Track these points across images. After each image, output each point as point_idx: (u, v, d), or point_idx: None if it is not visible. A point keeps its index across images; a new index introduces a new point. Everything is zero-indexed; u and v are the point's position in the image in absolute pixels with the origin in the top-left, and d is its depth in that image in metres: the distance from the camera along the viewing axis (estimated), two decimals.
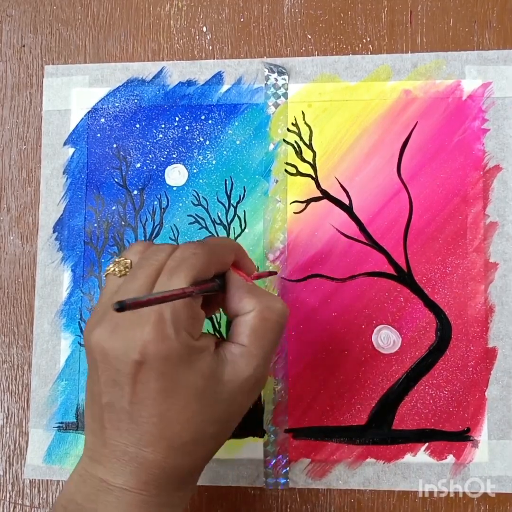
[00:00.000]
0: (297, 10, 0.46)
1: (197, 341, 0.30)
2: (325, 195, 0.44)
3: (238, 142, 0.45)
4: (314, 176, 0.44)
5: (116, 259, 0.33)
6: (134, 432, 0.30)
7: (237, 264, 0.34)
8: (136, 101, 0.46)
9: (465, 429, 0.42)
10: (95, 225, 0.45)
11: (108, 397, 0.30)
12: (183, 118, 0.45)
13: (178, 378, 0.29)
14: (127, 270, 0.33)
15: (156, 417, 0.29)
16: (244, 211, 0.44)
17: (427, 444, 0.42)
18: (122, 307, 0.24)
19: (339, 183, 0.44)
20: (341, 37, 0.45)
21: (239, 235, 0.44)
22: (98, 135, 0.46)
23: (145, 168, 0.45)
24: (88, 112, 0.46)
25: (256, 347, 0.31)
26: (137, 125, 0.46)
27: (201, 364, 0.30)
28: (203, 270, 0.31)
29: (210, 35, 0.46)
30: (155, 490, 0.30)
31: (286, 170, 0.44)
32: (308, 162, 0.44)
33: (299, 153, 0.44)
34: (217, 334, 0.43)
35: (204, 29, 0.46)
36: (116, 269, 0.33)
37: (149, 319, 0.29)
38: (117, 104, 0.46)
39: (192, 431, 0.30)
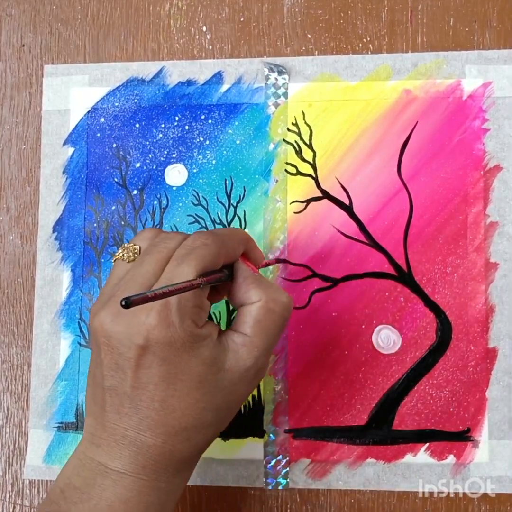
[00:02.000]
0: (297, 10, 0.46)
1: (201, 329, 0.30)
2: (325, 195, 0.44)
3: (238, 142, 0.45)
4: (314, 176, 0.44)
5: (125, 245, 0.34)
6: (134, 416, 0.30)
7: (246, 254, 0.35)
8: (135, 100, 0.46)
9: (466, 429, 0.41)
10: (95, 225, 0.45)
11: (110, 381, 0.30)
12: (183, 118, 0.45)
13: (180, 364, 0.29)
14: (135, 255, 0.33)
15: (158, 402, 0.29)
16: (244, 211, 0.44)
17: (427, 444, 0.41)
18: (128, 304, 0.25)
19: (339, 183, 0.44)
20: (341, 36, 0.45)
21: None
22: (98, 134, 0.46)
23: (145, 167, 0.45)
24: (88, 112, 0.46)
25: (259, 338, 0.31)
26: (137, 125, 0.46)
27: (203, 351, 0.30)
28: (212, 261, 0.31)
29: (210, 34, 0.46)
30: (153, 475, 0.30)
31: (286, 170, 0.44)
32: (308, 162, 0.44)
33: (299, 153, 0.44)
34: None
35: (204, 28, 0.46)
36: (125, 255, 0.33)
37: (155, 305, 0.29)
38: (116, 104, 0.46)
39: (192, 418, 0.30)
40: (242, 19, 0.46)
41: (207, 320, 0.32)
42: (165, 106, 0.45)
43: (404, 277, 0.43)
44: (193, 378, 0.30)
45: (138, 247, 0.33)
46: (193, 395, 0.30)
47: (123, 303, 0.25)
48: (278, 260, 0.40)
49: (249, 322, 0.32)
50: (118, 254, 0.33)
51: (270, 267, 0.43)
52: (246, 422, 0.42)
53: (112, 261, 0.34)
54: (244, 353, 0.31)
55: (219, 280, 0.32)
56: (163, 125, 0.45)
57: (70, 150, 0.46)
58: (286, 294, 0.33)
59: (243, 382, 0.31)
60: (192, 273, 0.30)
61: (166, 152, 0.45)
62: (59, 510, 0.30)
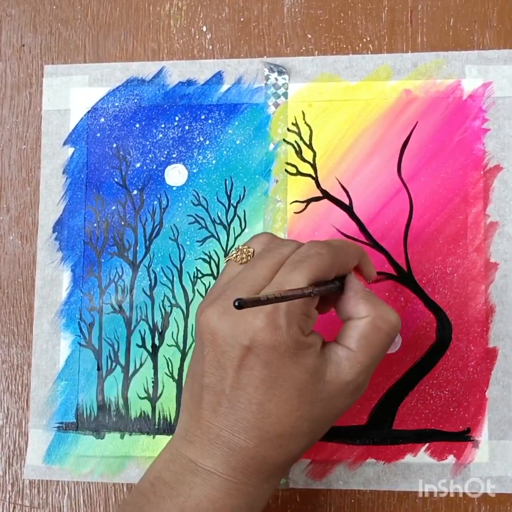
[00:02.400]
0: (297, 10, 0.46)
1: (306, 337, 0.30)
2: (325, 195, 0.44)
3: (238, 142, 0.45)
4: (314, 176, 0.44)
5: (239, 246, 0.34)
6: (230, 416, 0.30)
7: (359, 268, 0.35)
8: (136, 100, 0.46)
9: (466, 429, 0.41)
10: (95, 225, 0.45)
11: (210, 378, 0.30)
12: (183, 118, 0.45)
13: (283, 370, 0.29)
14: (249, 258, 0.33)
15: (255, 406, 0.29)
16: (244, 211, 0.44)
17: (427, 444, 0.41)
18: (241, 304, 0.25)
19: (339, 183, 0.44)
20: (341, 36, 0.45)
21: (239, 235, 0.44)
22: (98, 135, 0.46)
23: (145, 168, 0.45)
24: (88, 112, 0.46)
25: (363, 354, 0.31)
26: (137, 125, 0.46)
27: (306, 360, 0.30)
28: (325, 271, 0.31)
29: (210, 34, 0.46)
30: (243, 478, 0.30)
31: (286, 170, 0.44)
32: (308, 162, 0.44)
33: (299, 153, 0.44)
34: None
35: (204, 28, 0.46)
36: (238, 256, 0.33)
37: (264, 307, 0.29)
38: (116, 104, 0.46)
39: (287, 426, 0.30)
40: (242, 19, 0.46)
41: (313, 330, 0.32)
42: (165, 106, 0.45)
43: (404, 277, 0.43)
44: (293, 385, 0.30)
45: (252, 250, 0.33)
46: (291, 403, 0.30)
47: (237, 303, 0.25)
48: (388, 276, 0.40)
49: (355, 337, 0.31)
50: (232, 255, 0.34)
51: None
52: None
53: (225, 261, 0.34)
54: (346, 367, 0.31)
55: (330, 291, 0.32)
56: (163, 125, 0.45)
57: (70, 150, 0.46)
58: (395, 314, 0.32)
59: (342, 395, 0.31)
60: (304, 281, 0.30)
61: (166, 152, 0.45)
62: (149, 503, 0.31)
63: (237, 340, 0.29)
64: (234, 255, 0.34)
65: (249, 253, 0.33)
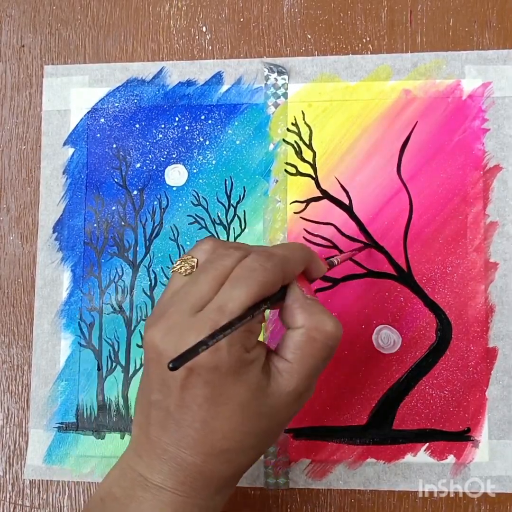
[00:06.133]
0: (297, 10, 0.46)
1: (249, 354, 0.30)
2: (325, 195, 0.44)
3: (238, 142, 0.45)
4: (314, 176, 0.44)
5: (184, 256, 0.33)
6: (176, 432, 0.30)
7: (306, 269, 0.33)
8: (135, 101, 0.46)
9: (466, 429, 0.41)
10: (95, 225, 0.45)
11: (156, 395, 0.30)
12: (183, 118, 0.45)
13: (224, 388, 0.29)
14: (193, 269, 0.32)
15: (199, 423, 0.29)
16: (244, 211, 0.44)
17: (427, 444, 0.42)
18: (175, 366, 0.24)
19: (339, 183, 0.44)
20: (341, 37, 0.45)
21: (239, 235, 0.44)
22: (98, 135, 0.46)
23: (145, 168, 0.45)
24: (88, 112, 0.46)
25: (299, 365, 0.31)
26: (137, 125, 0.46)
27: (249, 376, 0.30)
28: (269, 287, 0.30)
29: (210, 35, 0.46)
30: (192, 492, 0.30)
31: (286, 170, 0.44)
32: (308, 162, 0.44)
33: (299, 153, 0.44)
34: None
35: (204, 29, 0.46)
36: (182, 268, 0.32)
37: (205, 326, 0.28)
38: (116, 104, 0.46)
39: (233, 441, 0.30)
40: (242, 20, 0.46)
41: (258, 341, 0.31)
42: (165, 106, 0.45)
43: (404, 277, 0.43)
44: (237, 402, 0.29)
45: (196, 260, 0.32)
46: (235, 419, 0.30)
47: (170, 365, 0.24)
48: (360, 249, 0.39)
49: (291, 348, 0.31)
50: (176, 266, 0.33)
51: None
52: None
53: (171, 272, 0.33)
54: (285, 379, 0.31)
55: (273, 301, 0.31)
56: (163, 126, 0.45)
57: (70, 150, 0.46)
58: (333, 323, 0.31)
59: (287, 406, 0.31)
60: (247, 299, 0.29)
61: (166, 153, 0.45)
62: None
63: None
64: (178, 266, 0.32)
65: (193, 264, 0.32)
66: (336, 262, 0.37)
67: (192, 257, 0.33)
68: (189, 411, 0.29)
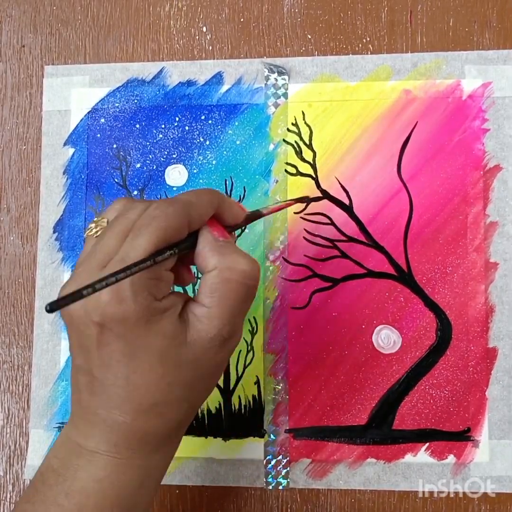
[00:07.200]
0: (297, 10, 0.46)
1: (160, 302, 0.29)
2: (325, 195, 0.44)
3: (238, 142, 0.45)
4: (314, 176, 0.44)
5: (95, 219, 0.32)
6: (102, 394, 0.29)
7: (219, 215, 0.32)
8: (136, 101, 0.46)
9: (466, 429, 0.41)
10: None
11: (79, 360, 0.30)
12: (183, 118, 0.45)
13: (140, 340, 0.28)
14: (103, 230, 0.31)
15: (121, 380, 0.29)
16: None
17: (427, 444, 0.42)
18: (52, 308, 0.23)
19: (339, 183, 0.44)
20: (341, 37, 0.45)
21: (239, 236, 0.44)
22: (98, 135, 0.46)
23: (145, 168, 0.45)
24: (88, 113, 0.46)
25: (218, 308, 0.30)
26: (137, 125, 0.46)
27: (164, 325, 0.29)
28: (173, 232, 0.29)
29: (210, 35, 0.46)
30: (127, 453, 0.30)
31: (286, 170, 0.44)
32: (308, 162, 0.44)
33: (299, 153, 0.44)
34: None
35: (204, 29, 0.46)
36: (93, 230, 0.31)
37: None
38: (117, 105, 0.46)
39: (158, 394, 0.29)
40: (242, 20, 0.46)
41: (174, 291, 0.30)
42: (165, 106, 0.46)
43: (404, 277, 0.43)
44: (153, 353, 0.29)
45: (106, 220, 0.31)
46: (156, 371, 0.29)
47: (48, 308, 0.23)
48: (298, 200, 0.37)
49: (206, 292, 0.30)
50: (89, 229, 0.32)
51: (270, 267, 0.43)
52: (246, 422, 0.42)
53: (84, 236, 0.32)
54: (205, 325, 0.29)
55: (183, 249, 0.30)
56: (163, 126, 0.45)
57: (71, 150, 0.46)
58: (247, 261, 0.30)
59: (209, 354, 0.30)
60: (149, 247, 0.28)
61: (166, 153, 0.45)
62: (37, 493, 0.30)
63: (89, 318, 0.28)
64: (90, 229, 0.31)
65: (104, 225, 0.31)
66: (264, 212, 0.36)
67: (103, 218, 0.32)
68: (110, 369, 0.29)
